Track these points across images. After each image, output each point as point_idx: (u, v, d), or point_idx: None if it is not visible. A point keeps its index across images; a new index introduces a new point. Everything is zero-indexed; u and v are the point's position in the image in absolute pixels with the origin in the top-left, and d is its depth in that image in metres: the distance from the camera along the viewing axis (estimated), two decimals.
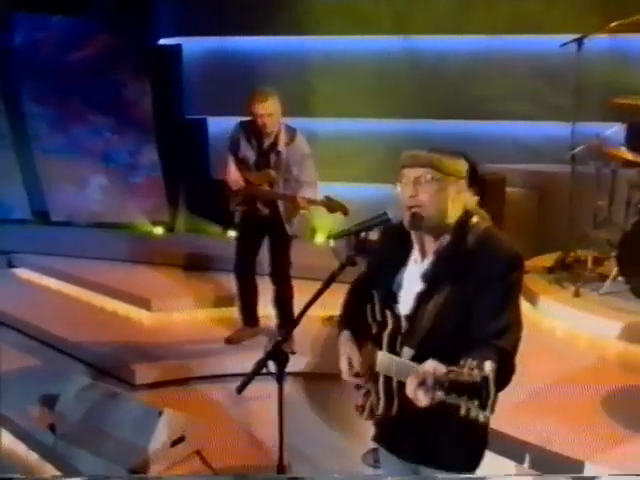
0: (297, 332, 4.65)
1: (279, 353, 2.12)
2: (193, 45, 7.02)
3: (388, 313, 2.03)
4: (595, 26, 4.95)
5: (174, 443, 3.40)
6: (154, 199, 7.01)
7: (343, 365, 2.18)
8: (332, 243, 2.25)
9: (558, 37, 5.18)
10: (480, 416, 1.65)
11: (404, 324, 2.02)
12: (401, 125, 6.54)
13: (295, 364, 4.44)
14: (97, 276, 5.60)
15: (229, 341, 4.68)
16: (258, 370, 2.12)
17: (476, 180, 2.01)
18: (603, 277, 4.28)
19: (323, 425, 3.97)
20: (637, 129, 5.03)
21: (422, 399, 1.73)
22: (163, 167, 6.99)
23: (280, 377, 2.16)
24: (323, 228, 6.65)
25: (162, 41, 7.06)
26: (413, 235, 2.05)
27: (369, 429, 3.70)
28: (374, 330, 2.09)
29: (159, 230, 6.91)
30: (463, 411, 1.67)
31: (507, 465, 2.94)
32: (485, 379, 1.63)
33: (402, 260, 2.09)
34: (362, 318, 2.14)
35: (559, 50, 4.90)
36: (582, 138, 4.82)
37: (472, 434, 2.04)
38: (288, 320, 4.67)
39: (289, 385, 4.36)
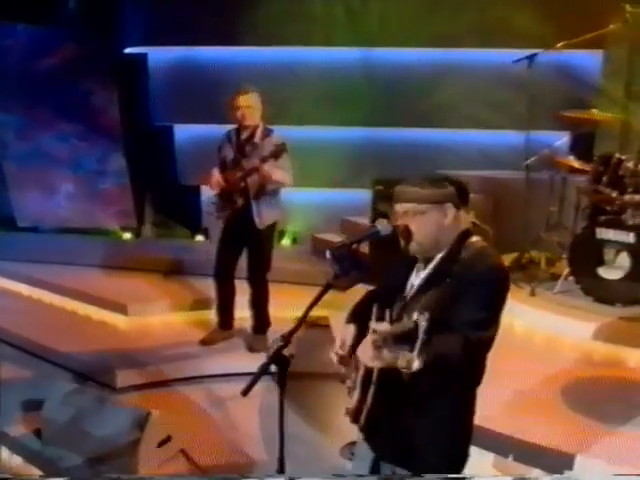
0: (272, 334, 4.83)
1: (281, 357, 2.21)
2: (159, 54, 7.03)
3: (387, 312, 2.10)
4: (547, 41, 5.22)
5: (161, 443, 3.46)
6: (122, 205, 7.00)
7: (337, 342, 2.35)
8: (328, 254, 2.35)
9: (512, 50, 5.46)
10: (414, 365, 1.88)
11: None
12: (361, 132, 6.72)
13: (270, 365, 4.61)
14: (70, 282, 5.58)
15: (204, 342, 4.72)
16: (262, 373, 2.21)
17: (466, 198, 2.15)
18: (556, 277, 4.52)
19: (301, 422, 4.06)
20: (583, 139, 5.33)
21: (369, 357, 1.97)
22: (131, 174, 6.99)
23: (281, 379, 2.24)
24: (290, 232, 6.78)
25: (128, 50, 7.05)
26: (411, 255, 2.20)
27: (345, 425, 3.85)
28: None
29: (127, 235, 6.90)
30: (400, 363, 1.90)
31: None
32: (415, 324, 1.87)
33: (407, 271, 2.25)
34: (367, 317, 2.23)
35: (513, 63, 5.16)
36: (535, 146, 5.09)
37: (452, 438, 2.17)
38: (263, 321, 4.77)
39: (264, 386, 4.50)
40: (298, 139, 6.61)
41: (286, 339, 2.22)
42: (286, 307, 5.08)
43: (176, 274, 5.97)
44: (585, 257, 4.25)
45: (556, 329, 4.09)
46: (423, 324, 1.88)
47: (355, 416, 2.25)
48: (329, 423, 3.96)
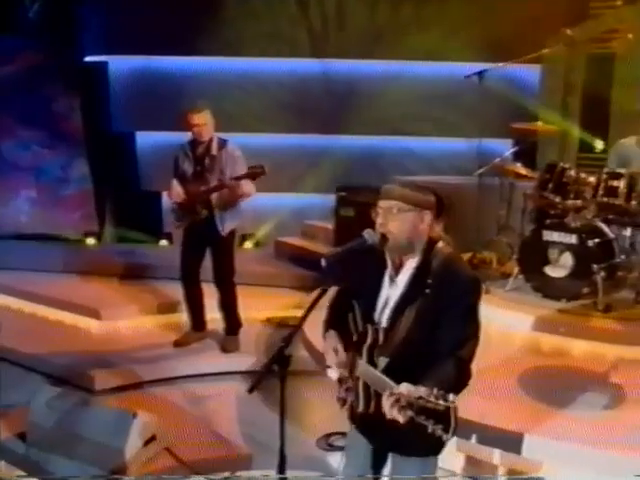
0: (242, 334, 4.93)
1: (282, 357, 2.32)
2: (120, 63, 7.03)
3: (369, 327, 2.28)
4: (494, 56, 5.53)
5: (146, 442, 3.52)
6: (85, 211, 6.96)
7: (330, 355, 2.40)
8: (323, 262, 2.47)
9: (461, 64, 5.76)
10: (443, 437, 1.92)
11: (381, 337, 2.26)
12: (317, 140, 6.92)
13: (240, 364, 4.73)
14: (38, 288, 5.55)
15: (177, 344, 4.80)
16: (265, 372, 2.31)
17: (442, 210, 2.33)
18: (506, 275, 4.79)
19: (274, 417, 4.17)
20: (529, 149, 5.65)
21: (396, 415, 1.98)
22: (93, 180, 6.96)
23: (283, 377, 2.35)
24: (253, 236, 6.89)
25: (88, 58, 7.01)
26: (387, 256, 2.33)
27: (319, 418, 4.00)
28: (355, 337, 2.35)
29: (91, 241, 6.86)
30: (430, 430, 1.91)
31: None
32: (448, 410, 1.93)
33: (378, 277, 2.35)
34: (344, 325, 2.39)
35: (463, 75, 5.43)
36: (486, 153, 5.37)
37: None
38: (234, 323, 4.87)
39: (239, 384, 4.62)
40: (259, 145, 6.80)
41: (287, 340, 2.33)
42: (252, 308, 5.24)
43: (142, 278, 6.02)
44: (533, 257, 4.53)
45: (509, 323, 4.33)
46: (453, 406, 1.95)
47: (351, 413, 2.42)
48: (303, 418, 4.08)
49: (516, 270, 4.64)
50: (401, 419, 1.95)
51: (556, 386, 3.76)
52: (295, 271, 6.06)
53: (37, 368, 4.47)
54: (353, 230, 5.53)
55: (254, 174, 4.35)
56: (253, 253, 6.71)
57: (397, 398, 1.96)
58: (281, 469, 2.42)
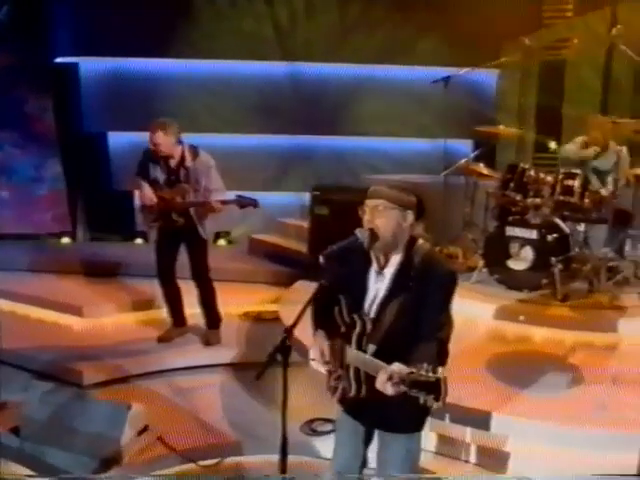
0: (222, 328, 5.04)
1: (285, 347, 2.45)
2: (91, 64, 7.05)
3: (356, 317, 2.47)
4: (458, 61, 5.81)
5: (139, 432, 3.64)
6: (58, 210, 6.95)
7: (316, 355, 2.61)
8: (322, 259, 2.65)
9: (426, 68, 6.02)
10: (434, 406, 2.14)
11: (369, 326, 2.46)
12: (287, 140, 7.08)
13: (222, 357, 4.86)
14: (17, 287, 5.54)
15: (161, 340, 4.88)
16: (270, 361, 2.45)
17: (422, 211, 2.53)
18: (471, 269, 5.06)
19: (258, 405, 4.33)
20: (489, 149, 5.95)
21: (389, 390, 2.20)
22: (66, 179, 6.96)
23: (285, 365, 2.48)
24: (226, 234, 7.00)
25: (60, 59, 7.00)
26: (372, 253, 2.51)
27: (299, 406, 4.15)
28: (342, 329, 2.53)
29: (66, 240, 6.86)
30: (421, 401, 2.14)
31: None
32: (438, 380, 2.13)
33: (363, 273, 2.54)
34: (331, 318, 2.57)
35: (428, 79, 5.69)
36: (451, 153, 5.66)
37: (418, 404, 2.46)
38: (214, 317, 4.99)
39: (222, 375, 4.76)
40: (230, 146, 6.92)
41: (289, 332, 2.47)
42: (230, 304, 5.36)
43: (119, 276, 6.08)
44: (496, 251, 4.82)
45: (474, 313, 4.58)
46: (443, 377, 2.14)
47: (342, 398, 2.60)
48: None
49: (481, 264, 4.91)
50: (394, 393, 2.17)
51: (520, 369, 4.05)
52: (270, 267, 6.21)
53: (24, 366, 4.49)
54: (327, 228, 5.76)
55: (244, 205, 4.47)
56: (227, 250, 6.82)
57: (390, 375, 2.17)
58: (283, 451, 2.55)
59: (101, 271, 6.13)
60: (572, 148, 5.07)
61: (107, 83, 7.02)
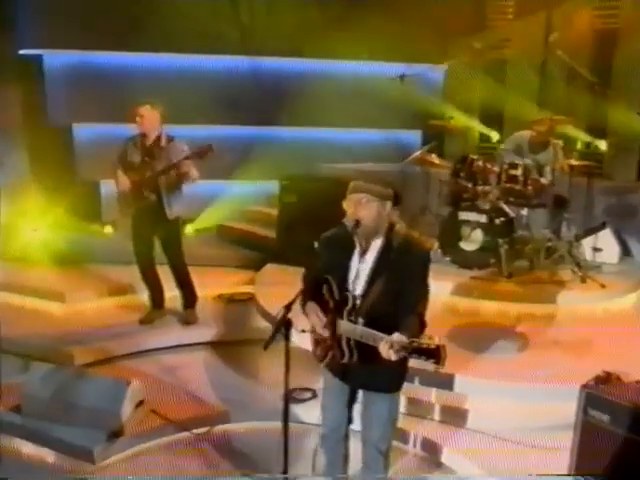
0: (198, 311, 5.28)
1: (285, 320, 2.75)
2: (55, 57, 7.06)
3: (347, 294, 2.80)
4: (410, 57, 6.18)
5: (137, 406, 3.89)
6: (25, 201, 6.95)
7: (314, 321, 2.89)
8: (316, 245, 2.95)
9: (381, 64, 6.37)
10: (435, 368, 2.48)
11: (358, 302, 2.79)
12: (249, 131, 7.31)
13: (201, 336, 5.13)
14: None
15: (142, 322, 5.11)
16: (275, 333, 2.73)
17: (398, 201, 2.89)
18: None
19: (239, 378, 4.63)
20: (440, 141, 6.38)
21: (393, 357, 2.53)
22: (32, 171, 6.97)
23: (287, 336, 2.77)
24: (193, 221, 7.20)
25: (23, 52, 6.97)
26: (355, 238, 2.85)
27: (280, 377, 4.43)
28: (331, 304, 2.85)
29: (34, 230, 6.89)
30: (422, 362, 2.46)
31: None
32: (438, 347, 2.47)
33: (348, 255, 2.87)
34: (318, 295, 2.88)
35: (382, 73, 6.04)
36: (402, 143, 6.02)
37: (401, 369, 2.91)
38: (190, 297, 5.21)
39: (203, 353, 5.03)
40: (193, 137, 7.07)
41: (288, 308, 2.76)
42: (203, 287, 5.58)
43: (92, 264, 6.19)
44: (449, 234, 5.26)
45: (432, 291, 5.00)
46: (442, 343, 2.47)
47: (330, 363, 2.94)
48: (267, 378, 4.55)
49: (436, 245, 5.34)
50: (397, 359, 2.52)
51: (474, 337, 4.49)
52: (239, 252, 6.48)
53: (15, 351, 4.61)
54: (295, 214, 6.06)
55: (203, 152, 4.61)
56: (197, 237, 7.01)
57: (391, 344, 2.51)
58: (285, 414, 2.86)
59: (74, 259, 6.22)
60: (525, 136, 5.47)
61: (71, 75, 7.04)
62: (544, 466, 3.45)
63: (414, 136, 7.57)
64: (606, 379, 3.39)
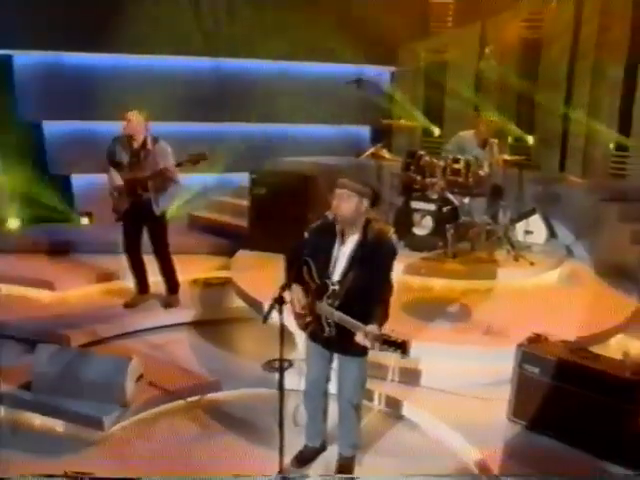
0: (181, 294, 5.63)
1: (281, 297, 3.18)
2: (25, 57, 7.17)
3: (327, 281, 3.26)
4: (362, 59, 6.66)
5: (137, 379, 4.28)
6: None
7: (295, 302, 3.36)
8: (306, 234, 3.38)
9: (336, 65, 6.82)
10: (402, 357, 2.99)
11: (336, 287, 3.25)
12: (214, 127, 7.65)
13: (182, 317, 5.50)
14: None
15: (127, 306, 5.43)
16: (271, 309, 3.16)
17: (376, 202, 3.37)
18: None
19: (221, 352, 5.02)
20: (389, 135, 6.89)
21: (368, 344, 3.02)
22: (3, 166, 7.09)
23: (281, 311, 3.19)
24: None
25: None
26: (337, 229, 3.32)
27: (257, 351, 4.85)
28: (312, 286, 3.31)
29: (13, 223, 7.06)
30: (391, 352, 2.94)
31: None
32: (404, 342, 2.95)
33: (329, 244, 3.33)
34: (300, 277, 3.34)
35: (337, 74, 6.49)
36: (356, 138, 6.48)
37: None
38: (173, 283, 5.57)
39: (185, 332, 5.40)
40: (162, 134, 7.35)
41: (283, 287, 3.20)
42: (180, 273, 5.87)
43: (71, 254, 6.46)
44: (403, 221, 5.80)
45: None
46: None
47: (313, 334, 3.43)
48: (248, 352, 5.00)
49: (392, 231, 5.86)
50: (370, 346, 3.02)
51: (426, 309, 5.01)
52: (210, 240, 6.85)
53: (13, 335, 4.91)
54: (264, 205, 6.48)
55: (197, 159, 4.97)
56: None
57: (366, 334, 3.01)
58: (280, 381, 3.25)
59: (54, 250, 6.46)
60: (468, 134, 6.05)
61: (41, 75, 7.18)
62: (487, 413, 4.04)
63: (364, 131, 8.10)
64: (536, 339, 4.05)
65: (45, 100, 7.14)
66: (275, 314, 3.13)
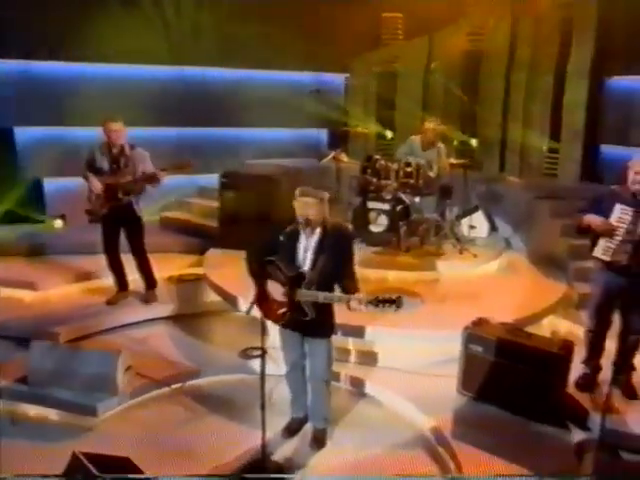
0: (158, 290, 5.93)
1: (261, 297, 3.60)
2: None
3: (300, 270, 3.70)
4: (318, 67, 7.05)
5: (126, 370, 4.59)
6: None
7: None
8: (281, 237, 3.74)
9: (294, 73, 7.18)
10: (396, 311, 3.48)
11: (308, 275, 3.70)
12: (180, 132, 7.93)
13: (160, 312, 5.81)
14: None
15: (109, 303, 5.71)
16: (253, 304, 3.60)
17: (331, 201, 3.81)
18: None
19: (199, 343, 5.36)
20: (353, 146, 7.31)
21: (363, 309, 3.49)
22: None
23: (260, 306, 3.62)
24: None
25: None
26: (301, 229, 3.73)
27: (231, 341, 5.20)
28: (285, 280, 3.70)
29: None
30: (386, 308, 3.45)
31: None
32: (399, 297, 3.45)
33: (296, 241, 3.76)
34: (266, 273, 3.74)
35: (296, 82, 6.85)
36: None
37: (333, 320, 3.89)
38: (150, 280, 5.88)
39: (164, 326, 5.71)
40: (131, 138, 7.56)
41: (259, 287, 3.63)
42: (155, 271, 6.17)
43: (46, 255, 6.66)
44: (360, 219, 6.26)
45: None
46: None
47: (288, 321, 3.81)
48: (223, 342, 5.35)
49: (350, 228, 6.32)
50: (365, 310, 3.48)
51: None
52: (181, 239, 7.15)
53: (3, 335, 5.13)
54: (233, 206, 6.83)
55: (181, 165, 5.27)
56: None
57: (359, 300, 3.49)
58: (262, 368, 3.66)
59: (29, 252, 6.64)
60: (416, 140, 6.53)
61: (11, 83, 7.27)
62: (439, 388, 4.51)
63: (322, 134, 8.52)
64: (480, 322, 4.57)
65: (16, 107, 7.25)
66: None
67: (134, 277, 5.87)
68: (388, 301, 3.47)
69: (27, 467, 3.70)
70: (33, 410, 4.41)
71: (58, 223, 7.41)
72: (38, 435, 4.13)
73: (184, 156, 7.63)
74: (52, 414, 4.38)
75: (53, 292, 5.87)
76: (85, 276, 6.19)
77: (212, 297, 5.83)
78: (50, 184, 7.75)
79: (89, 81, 7.45)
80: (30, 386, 4.44)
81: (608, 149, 7.16)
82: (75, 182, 7.04)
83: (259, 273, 3.76)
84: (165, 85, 7.72)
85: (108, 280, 5.89)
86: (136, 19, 7.40)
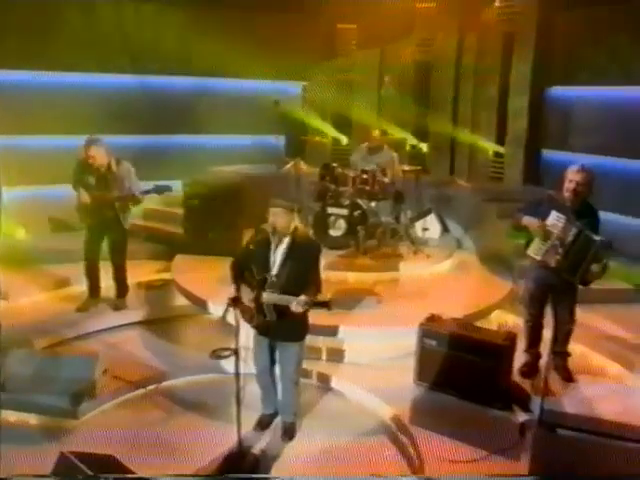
0: (128, 296, 6.14)
1: (235, 298, 3.94)
2: None
3: (267, 275, 4.02)
4: (278, 76, 7.37)
5: (103, 373, 4.83)
6: None
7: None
8: (251, 246, 4.07)
9: (255, 81, 7.50)
10: (327, 311, 3.86)
11: (275, 279, 4.02)
12: (141, 139, 8.07)
13: (132, 317, 6.03)
14: None
15: (79, 310, 5.89)
16: (228, 308, 3.90)
17: (299, 211, 4.16)
18: None
19: (171, 346, 5.60)
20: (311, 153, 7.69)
21: (300, 310, 3.83)
22: None
23: (236, 309, 3.95)
24: None
25: None
26: (271, 237, 4.07)
27: (201, 343, 5.47)
28: (254, 283, 4.05)
29: None
30: (319, 309, 3.85)
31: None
32: (329, 301, 3.84)
33: (266, 249, 4.09)
34: (243, 276, 4.10)
35: (254, 89, 7.10)
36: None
37: (304, 325, 4.24)
38: (123, 288, 6.08)
39: (136, 330, 5.92)
40: None
41: (237, 289, 3.96)
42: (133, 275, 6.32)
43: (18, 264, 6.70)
44: (320, 224, 6.63)
45: None
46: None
47: (259, 325, 4.16)
48: (193, 344, 5.60)
49: (311, 233, 6.66)
50: (302, 310, 3.83)
51: (344, 299, 5.61)
52: (147, 246, 7.35)
53: None
54: (197, 214, 7.09)
55: (162, 190, 5.55)
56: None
57: (298, 301, 3.81)
58: (236, 367, 3.98)
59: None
60: (364, 147, 6.98)
61: None
62: (398, 379, 4.88)
63: (280, 142, 8.84)
64: (433, 319, 5.00)
65: None
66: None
67: (105, 284, 6.07)
68: (320, 303, 3.86)
69: (17, 469, 3.89)
70: (12, 416, 4.55)
71: (20, 233, 7.48)
72: (21, 438, 4.26)
73: (146, 164, 7.97)
74: (33, 418, 4.54)
75: (27, 300, 6.00)
76: (56, 284, 6.34)
77: (181, 301, 6.09)
78: (10, 194, 7.76)
79: (48, 90, 7.52)
80: (8, 393, 4.60)
81: (549, 154, 7.75)
82: (34, 192, 7.21)
83: (239, 277, 4.09)
84: (127, 93, 7.87)
85: (77, 288, 6.06)
86: (96, 28, 7.52)
